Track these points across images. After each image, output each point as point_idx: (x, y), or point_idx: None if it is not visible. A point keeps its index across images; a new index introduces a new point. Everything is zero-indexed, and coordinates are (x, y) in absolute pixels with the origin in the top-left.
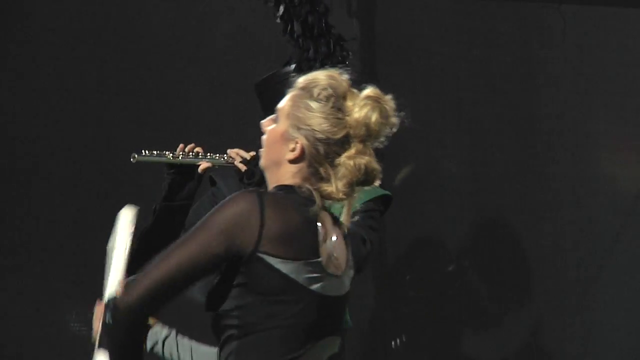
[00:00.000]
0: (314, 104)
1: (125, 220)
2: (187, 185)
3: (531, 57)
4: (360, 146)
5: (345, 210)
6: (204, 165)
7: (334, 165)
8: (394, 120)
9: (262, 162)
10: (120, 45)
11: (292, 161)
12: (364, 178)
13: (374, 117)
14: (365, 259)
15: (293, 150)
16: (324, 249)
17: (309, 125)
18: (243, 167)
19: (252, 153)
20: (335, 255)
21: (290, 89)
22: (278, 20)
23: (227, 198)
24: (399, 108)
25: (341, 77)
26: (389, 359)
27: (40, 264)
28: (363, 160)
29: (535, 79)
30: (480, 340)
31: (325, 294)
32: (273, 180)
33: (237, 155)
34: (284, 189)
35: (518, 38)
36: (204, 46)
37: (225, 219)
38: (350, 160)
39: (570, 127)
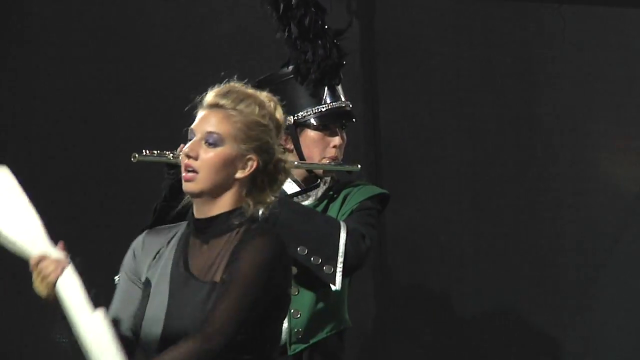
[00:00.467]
0: (260, 119)
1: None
2: None
3: (531, 57)
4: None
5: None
6: None
7: (267, 172)
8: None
9: (202, 187)
10: (120, 46)
11: (243, 179)
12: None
13: (280, 114)
14: (365, 254)
15: (244, 168)
16: None
17: (262, 139)
18: None
19: None
20: None
21: (207, 110)
22: (274, 21)
23: (259, 248)
24: (398, 108)
25: (240, 85)
26: (389, 358)
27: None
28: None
29: (535, 79)
30: (480, 340)
31: None
32: (217, 203)
33: None
34: (245, 215)
35: (518, 38)
36: (204, 46)
37: (269, 271)
38: (280, 162)
39: (570, 127)
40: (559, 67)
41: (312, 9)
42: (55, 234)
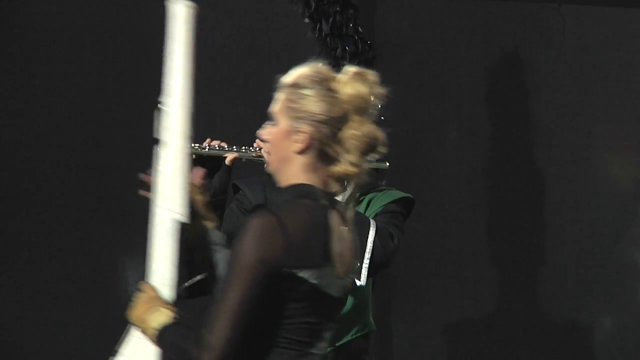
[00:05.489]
0: (306, 92)
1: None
2: (216, 175)
3: (531, 57)
4: (358, 117)
5: (350, 193)
6: (231, 156)
7: (340, 142)
8: (380, 89)
9: (271, 166)
10: (120, 46)
11: (301, 152)
12: (372, 144)
13: (363, 88)
14: (392, 254)
15: (298, 141)
16: (335, 253)
17: (307, 111)
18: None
19: None
20: (344, 256)
21: (277, 91)
22: (306, 20)
23: (246, 226)
24: (398, 108)
25: (320, 65)
26: (391, 358)
27: (42, 265)
28: (367, 127)
29: (535, 79)
30: (481, 340)
31: (332, 295)
32: (284, 179)
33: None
34: (297, 191)
35: (518, 38)
36: (203, 46)
37: (254, 248)
38: (355, 130)
39: (570, 127)
40: (559, 67)
41: (345, 7)
42: (54, 233)
